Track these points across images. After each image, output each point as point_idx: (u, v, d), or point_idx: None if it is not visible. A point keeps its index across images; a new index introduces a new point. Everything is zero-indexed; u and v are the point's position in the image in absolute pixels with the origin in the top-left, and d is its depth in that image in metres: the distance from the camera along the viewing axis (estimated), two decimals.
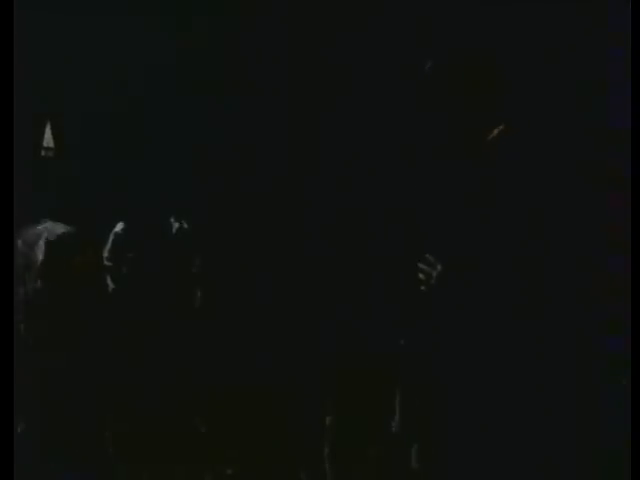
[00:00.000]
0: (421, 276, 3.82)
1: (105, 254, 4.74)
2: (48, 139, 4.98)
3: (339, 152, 4.59)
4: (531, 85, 4.14)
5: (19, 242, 3.51)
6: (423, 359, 3.91)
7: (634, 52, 3.69)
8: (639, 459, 3.40)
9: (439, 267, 3.78)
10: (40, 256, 3.58)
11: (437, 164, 3.90)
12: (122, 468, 4.59)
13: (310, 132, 4.75)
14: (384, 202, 4.24)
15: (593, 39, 4.13)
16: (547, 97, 4.14)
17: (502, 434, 3.73)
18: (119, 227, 4.71)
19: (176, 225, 4.69)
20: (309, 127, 4.77)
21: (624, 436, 3.57)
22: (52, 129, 4.98)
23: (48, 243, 3.54)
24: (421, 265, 3.81)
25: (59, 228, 3.62)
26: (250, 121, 4.89)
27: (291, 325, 4.44)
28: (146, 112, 4.96)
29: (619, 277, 3.83)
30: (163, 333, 4.62)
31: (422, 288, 3.85)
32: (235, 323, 4.54)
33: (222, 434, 4.56)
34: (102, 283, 4.73)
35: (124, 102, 4.98)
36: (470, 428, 3.74)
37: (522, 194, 3.87)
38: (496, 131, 3.63)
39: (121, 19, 5.01)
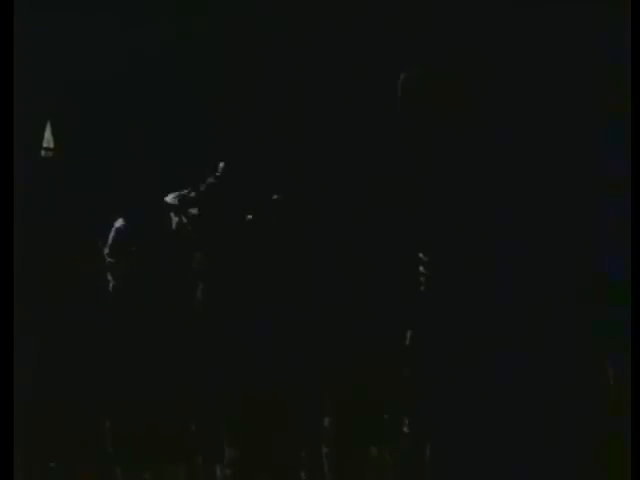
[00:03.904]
0: (421, 278, 3.83)
1: (106, 251, 4.73)
2: (48, 139, 4.98)
3: (337, 153, 4.59)
4: (526, 88, 4.14)
5: None
6: (422, 360, 3.91)
7: (634, 52, 3.69)
8: (639, 459, 3.40)
9: (435, 267, 3.78)
10: None
11: (434, 165, 3.91)
12: (122, 467, 4.59)
13: (308, 131, 4.75)
14: (381, 204, 4.24)
15: (592, 40, 4.13)
16: (546, 97, 4.14)
17: (502, 430, 3.74)
18: (119, 223, 4.70)
19: (175, 220, 4.68)
20: (305, 127, 4.77)
21: (624, 436, 3.57)
22: (52, 129, 4.97)
23: None
24: (420, 267, 3.81)
25: None
26: (249, 118, 4.89)
27: (291, 325, 4.44)
28: (146, 111, 4.95)
29: (619, 277, 3.83)
30: (162, 333, 4.61)
31: (422, 289, 3.85)
32: (234, 323, 4.54)
33: (222, 433, 4.55)
34: (103, 280, 4.73)
35: (124, 102, 4.97)
36: (470, 428, 3.74)
37: (519, 194, 3.88)
38: None
39: (122, 18, 5.00)
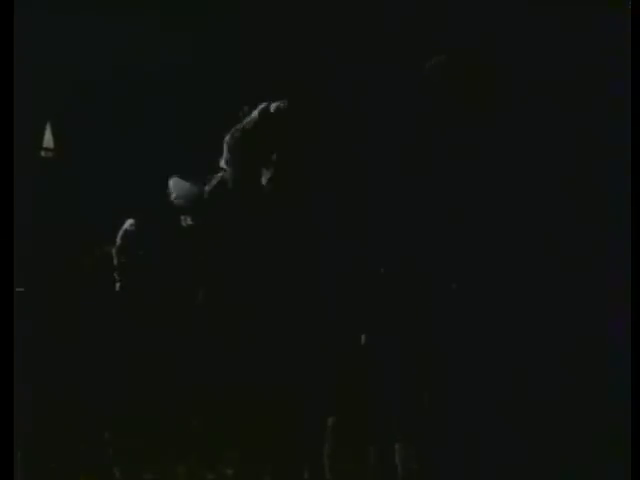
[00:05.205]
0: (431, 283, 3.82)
1: (114, 252, 4.74)
2: (48, 139, 4.98)
3: (339, 152, 4.58)
4: (532, 86, 4.13)
5: None
6: (423, 360, 3.91)
7: (634, 52, 3.69)
8: (639, 459, 3.40)
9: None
10: None
11: (438, 166, 3.90)
12: (121, 467, 4.59)
13: (310, 130, 4.74)
14: (385, 205, 4.24)
15: (593, 39, 4.12)
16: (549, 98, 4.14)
17: (502, 436, 3.73)
18: (128, 224, 4.71)
19: (183, 222, 4.68)
20: (308, 124, 4.75)
21: (624, 436, 3.57)
22: (52, 129, 4.98)
23: None
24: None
25: None
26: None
27: (293, 325, 4.44)
28: (147, 111, 4.95)
29: (619, 278, 3.83)
30: (164, 333, 4.62)
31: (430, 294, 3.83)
32: (236, 323, 4.54)
33: (223, 433, 4.55)
34: (109, 281, 4.73)
35: (125, 102, 4.97)
36: (468, 429, 3.74)
37: (521, 196, 3.87)
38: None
39: (122, 19, 5.00)
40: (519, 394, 3.78)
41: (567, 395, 3.85)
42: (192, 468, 4.56)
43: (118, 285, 4.71)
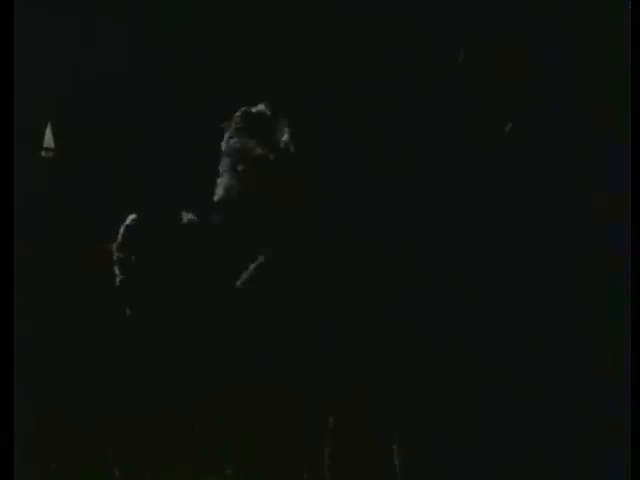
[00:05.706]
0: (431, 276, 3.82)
1: (115, 247, 4.73)
2: (48, 139, 4.98)
3: (346, 150, 4.58)
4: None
5: None
6: (424, 360, 3.91)
7: (634, 52, 3.69)
8: (639, 459, 3.40)
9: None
10: None
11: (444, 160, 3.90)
12: (121, 468, 4.60)
13: (315, 124, 4.74)
14: (389, 201, 4.24)
15: (592, 40, 4.12)
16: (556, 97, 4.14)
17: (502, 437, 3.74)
18: (130, 219, 4.70)
19: (186, 218, 4.68)
20: (315, 118, 4.75)
21: (624, 437, 3.57)
22: (52, 129, 4.98)
23: None
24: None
25: None
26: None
27: (293, 324, 4.44)
28: (148, 111, 4.95)
29: (619, 278, 3.83)
30: (163, 332, 4.62)
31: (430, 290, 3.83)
32: (236, 322, 4.54)
33: (222, 434, 4.55)
34: (110, 276, 4.73)
35: (126, 102, 4.97)
36: (467, 429, 3.74)
37: (530, 191, 3.88)
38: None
39: (123, 19, 5.00)
40: (518, 394, 3.79)
41: (567, 395, 3.85)
42: (192, 468, 4.57)
43: (118, 280, 4.71)
